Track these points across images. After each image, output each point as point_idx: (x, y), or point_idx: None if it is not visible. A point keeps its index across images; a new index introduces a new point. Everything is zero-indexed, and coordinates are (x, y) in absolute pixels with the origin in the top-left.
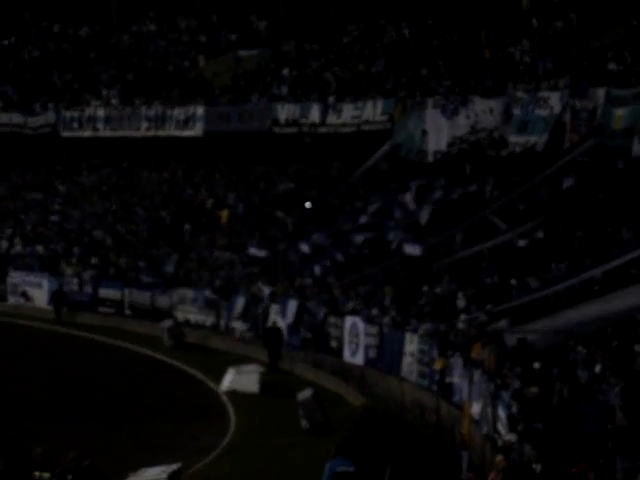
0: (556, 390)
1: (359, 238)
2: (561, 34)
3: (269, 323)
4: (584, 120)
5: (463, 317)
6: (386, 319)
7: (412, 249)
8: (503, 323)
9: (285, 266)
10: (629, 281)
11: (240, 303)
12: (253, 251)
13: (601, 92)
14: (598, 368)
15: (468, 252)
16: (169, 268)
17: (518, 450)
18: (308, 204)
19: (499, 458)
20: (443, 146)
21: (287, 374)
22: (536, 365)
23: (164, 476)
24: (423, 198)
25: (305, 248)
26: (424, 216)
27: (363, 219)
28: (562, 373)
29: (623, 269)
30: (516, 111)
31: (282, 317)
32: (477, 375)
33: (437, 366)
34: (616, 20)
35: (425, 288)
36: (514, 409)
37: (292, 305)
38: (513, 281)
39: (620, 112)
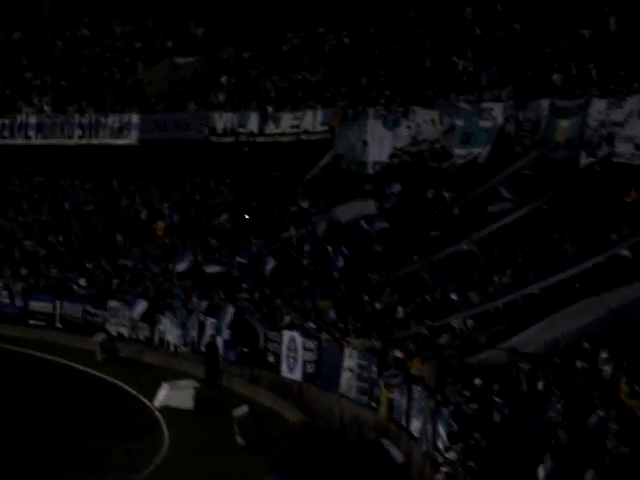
0: (496, 407)
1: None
2: (504, 44)
3: (206, 338)
4: (528, 132)
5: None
6: (324, 334)
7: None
8: (444, 338)
9: (223, 278)
10: (574, 298)
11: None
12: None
13: (545, 103)
14: (541, 385)
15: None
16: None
17: (459, 468)
18: (246, 216)
19: (439, 476)
20: (384, 157)
21: (223, 390)
22: (477, 381)
23: None
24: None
25: (243, 260)
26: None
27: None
28: (504, 390)
29: (566, 284)
30: (459, 122)
31: (218, 331)
32: (417, 391)
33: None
34: (560, 30)
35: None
36: (454, 426)
37: (229, 319)
38: (453, 296)
39: (564, 124)
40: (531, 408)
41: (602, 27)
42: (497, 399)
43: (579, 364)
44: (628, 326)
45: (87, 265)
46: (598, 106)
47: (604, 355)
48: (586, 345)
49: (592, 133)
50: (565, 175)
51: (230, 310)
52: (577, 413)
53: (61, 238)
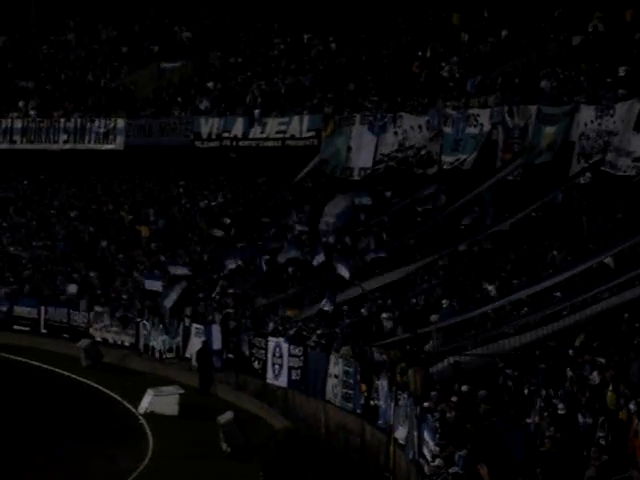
0: (482, 413)
1: (283, 257)
2: (492, 50)
3: (197, 344)
4: (517, 138)
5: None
6: (311, 340)
7: (343, 272)
8: (430, 345)
9: (208, 285)
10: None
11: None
12: (173, 269)
13: (532, 109)
14: (526, 391)
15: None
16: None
17: (445, 475)
18: (227, 220)
19: None
20: (369, 163)
21: (208, 396)
22: (464, 388)
23: None
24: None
25: (231, 265)
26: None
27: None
28: (489, 396)
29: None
30: (447, 130)
31: (204, 337)
32: (403, 398)
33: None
34: (548, 36)
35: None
36: (439, 433)
37: (216, 329)
38: (444, 302)
39: (550, 130)
40: (517, 415)
41: (590, 33)
42: (482, 405)
43: (568, 372)
44: (614, 334)
45: (74, 270)
46: (586, 113)
47: (591, 363)
48: (571, 352)
49: (591, 143)
50: (565, 186)
51: (217, 317)
52: (564, 421)
53: (46, 243)
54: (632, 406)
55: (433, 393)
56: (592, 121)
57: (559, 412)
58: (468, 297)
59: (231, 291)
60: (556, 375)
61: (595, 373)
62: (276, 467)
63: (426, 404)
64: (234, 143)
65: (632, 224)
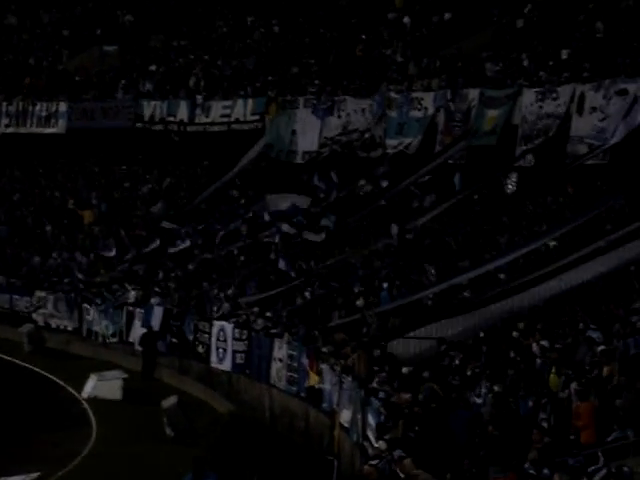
0: (426, 396)
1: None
2: (435, 33)
3: (139, 328)
4: (459, 122)
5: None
6: (255, 324)
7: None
8: (373, 328)
9: (152, 269)
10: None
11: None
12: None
13: (475, 93)
14: (469, 374)
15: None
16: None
17: (388, 458)
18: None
19: (367, 468)
20: (314, 147)
21: (152, 380)
22: (404, 370)
23: None
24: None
25: (174, 249)
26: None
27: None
28: (433, 379)
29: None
30: (391, 113)
31: (147, 322)
32: (347, 381)
33: (311, 382)
34: (491, 19)
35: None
36: (383, 416)
37: (158, 310)
38: (384, 285)
39: (492, 113)
40: (459, 398)
41: (531, 16)
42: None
43: (511, 354)
44: (557, 317)
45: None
46: (529, 96)
47: (535, 345)
48: (515, 334)
49: (534, 127)
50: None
51: (158, 302)
52: (506, 404)
53: None
54: (573, 387)
55: (377, 378)
56: (532, 104)
57: (501, 394)
58: (410, 281)
59: (175, 274)
60: (499, 357)
61: (538, 355)
62: (218, 451)
63: (371, 386)
64: (180, 128)
65: (575, 207)
